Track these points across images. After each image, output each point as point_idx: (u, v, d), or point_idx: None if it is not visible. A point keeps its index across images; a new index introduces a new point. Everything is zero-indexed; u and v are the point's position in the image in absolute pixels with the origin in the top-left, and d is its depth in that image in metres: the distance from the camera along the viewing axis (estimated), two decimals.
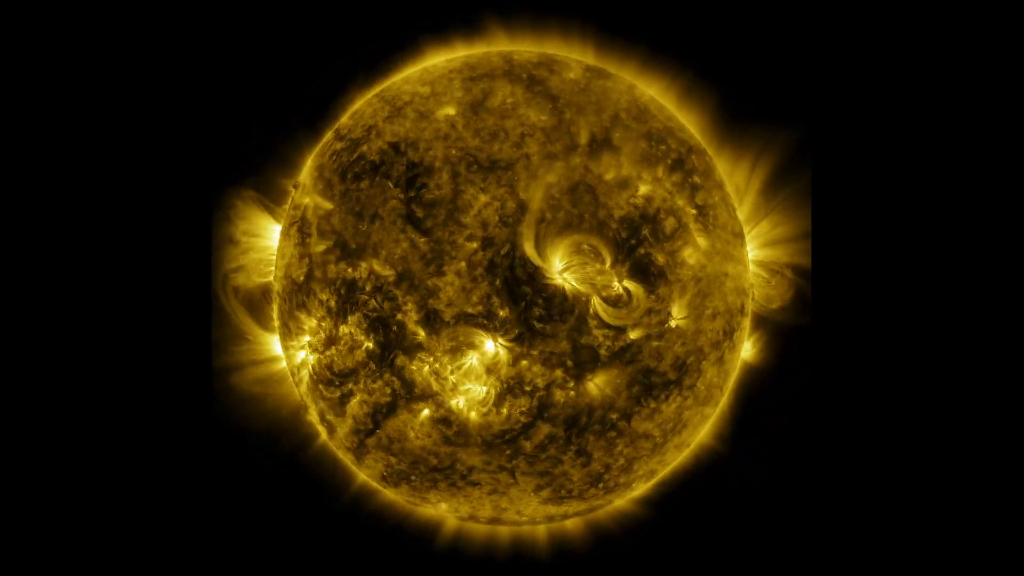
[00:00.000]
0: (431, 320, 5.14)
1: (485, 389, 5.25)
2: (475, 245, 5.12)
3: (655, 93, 6.00)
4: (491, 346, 5.17)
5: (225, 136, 6.28)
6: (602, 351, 5.26)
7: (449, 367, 5.19)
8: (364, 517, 6.45)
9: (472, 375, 5.21)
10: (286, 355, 5.89)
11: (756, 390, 6.15)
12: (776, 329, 6.09)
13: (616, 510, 6.35)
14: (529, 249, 5.09)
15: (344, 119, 5.91)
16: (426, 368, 5.25)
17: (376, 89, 6.10)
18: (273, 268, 6.10)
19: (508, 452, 5.46)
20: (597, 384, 5.34)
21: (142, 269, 5.71)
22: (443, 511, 6.11)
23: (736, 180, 6.05)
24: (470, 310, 5.10)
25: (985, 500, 5.37)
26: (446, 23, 6.13)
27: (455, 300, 5.11)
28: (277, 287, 5.82)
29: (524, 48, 6.02)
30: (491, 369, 5.21)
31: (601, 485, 5.82)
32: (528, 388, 5.24)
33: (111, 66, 5.77)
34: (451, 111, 5.41)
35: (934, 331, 5.34)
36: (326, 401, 5.68)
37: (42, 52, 5.70)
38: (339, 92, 6.28)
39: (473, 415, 5.29)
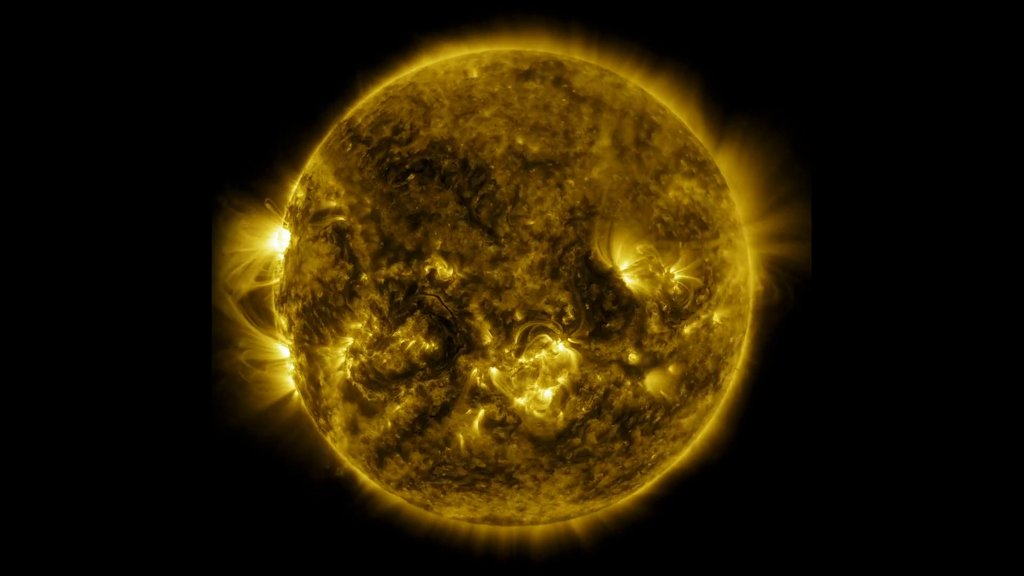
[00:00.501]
0: (498, 321, 5.08)
1: (550, 391, 5.28)
2: (546, 245, 5.12)
3: (655, 92, 6.12)
4: (561, 347, 5.19)
5: (224, 136, 6.11)
6: (660, 349, 5.40)
7: (515, 367, 5.18)
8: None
9: (538, 375, 5.23)
10: (308, 359, 5.63)
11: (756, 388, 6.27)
12: (775, 325, 6.21)
13: (617, 509, 6.42)
14: (597, 249, 5.17)
15: (359, 119, 5.72)
16: (490, 369, 5.21)
17: (381, 86, 6.00)
18: (277, 271, 5.89)
19: (561, 450, 5.49)
20: (653, 382, 5.45)
21: (142, 269, 5.65)
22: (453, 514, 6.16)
23: (737, 176, 6.20)
24: (538, 310, 5.10)
25: (983, 494, 5.45)
26: (448, 21, 6.15)
27: (524, 300, 5.10)
28: (299, 292, 5.55)
29: (527, 48, 6.04)
30: (557, 369, 5.24)
31: (626, 483, 5.93)
32: (591, 387, 5.29)
33: (111, 66, 5.69)
34: (489, 111, 5.41)
35: (933, 331, 5.41)
36: (359, 404, 5.51)
37: (42, 51, 5.64)
38: (337, 90, 6.23)
39: (536, 415, 5.31)
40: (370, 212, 5.24)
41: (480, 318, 5.07)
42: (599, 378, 5.26)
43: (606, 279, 5.12)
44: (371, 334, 5.25)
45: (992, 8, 5.31)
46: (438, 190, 5.15)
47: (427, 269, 5.08)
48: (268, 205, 5.86)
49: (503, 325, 5.09)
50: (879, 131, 5.42)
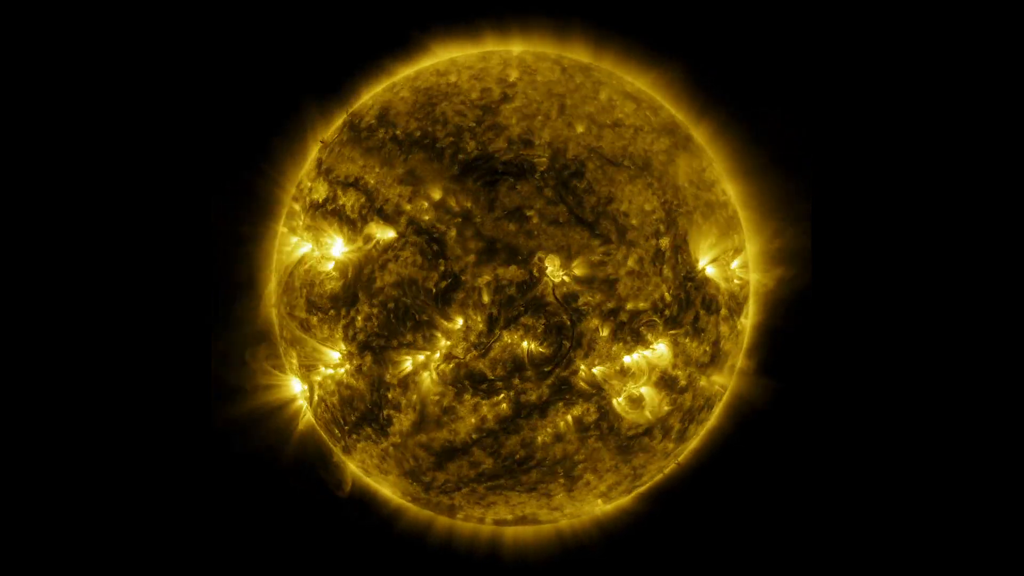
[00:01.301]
0: (607, 319, 5.11)
1: (646, 389, 5.39)
2: (654, 243, 5.23)
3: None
4: (662, 347, 5.31)
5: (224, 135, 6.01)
6: (728, 347, 5.68)
7: (619, 366, 5.25)
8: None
9: (639, 374, 5.32)
10: (377, 361, 5.34)
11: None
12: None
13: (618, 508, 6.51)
14: (692, 245, 5.32)
15: (412, 123, 5.42)
16: (595, 368, 5.24)
17: (409, 88, 5.79)
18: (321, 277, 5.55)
19: (635, 449, 5.62)
20: (714, 380, 5.72)
21: (143, 269, 5.67)
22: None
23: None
24: (645, 308, 5.20)
25: (984, 500, 5.52)
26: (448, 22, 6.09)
27: (631, 300, 5.17)
28: (371, 299, 5.21)
29: (530, 48, 6.07)
30: (653, 367, 5.36)
31: (648, 479, 6.13)
32: (678, 384, 5.48)
33: (113, 65, 5.61)
34: (555, 110, 5.40)
35: (933, 332, 5.52)
36: (439, 407, 5.34)
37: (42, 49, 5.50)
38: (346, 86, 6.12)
39: (630, 415, 5.39)
40: (461, 212, 5.09)
41: (595, 318, 5.12)
42: (681, 374, 5.46)
43: (694, 276, 5.33)
44: (473, 335, 5.12)
45: (991, 11, 5.45)
46: (535, 189, 5.11)
47: (535, 270, 5.03)
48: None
49: (614, 323, 5.15)
50: (878, 132, 5.57)
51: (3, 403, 5.55)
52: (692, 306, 5.34)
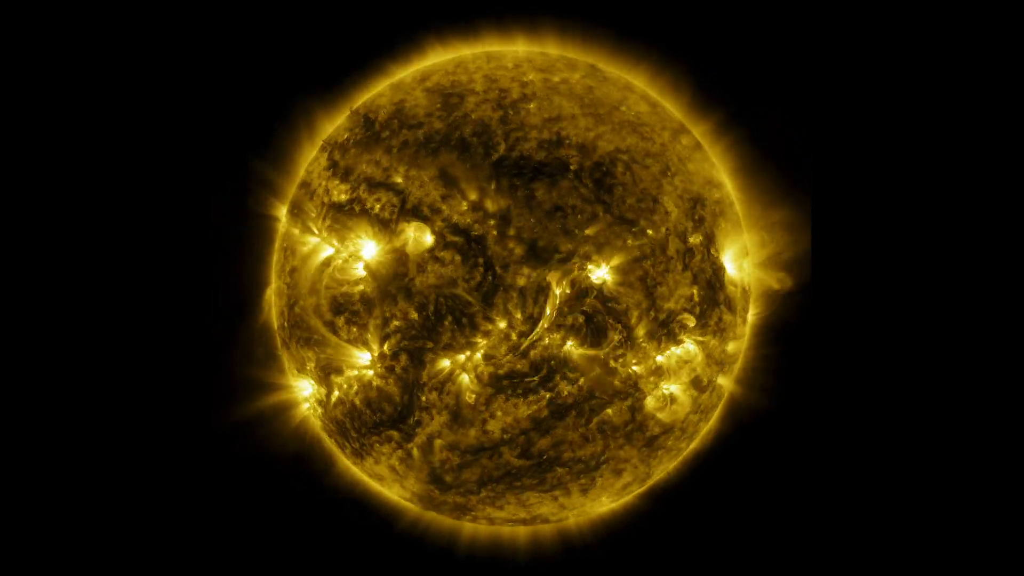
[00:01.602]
0: (650, 318, 5.13)
1: (676, 387, 5.42)
2: (682, 242, 5.29)
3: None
4: (691, 345, 5.34)
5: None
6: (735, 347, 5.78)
7: (653, 365, 5.26)
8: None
9: (672, 373, 5.34)
10: (413, 362, 5.24)
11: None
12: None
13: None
14: (717, 244, 5.39)
15: (437, 124, 5.33)
16: (633, 367, 5.25)
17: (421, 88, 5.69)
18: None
19: (657, 446, 5.66)
20: (733, 378, 5.80)
21: (142, 269, 5.76)
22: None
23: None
24: (679, 307, 5.24)
25: (985, 504, 5.49)
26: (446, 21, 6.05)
27: (666, 298, 5.21)
28: (408, 299, 5.11)
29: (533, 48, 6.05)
30: (684, 365, 5.39)
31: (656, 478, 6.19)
32: (701, 383, 5.53)
33: (113, 65, 5.66)
34: (575, 110, 5.39)
35: (933, 331, 5.53)
36: (475, 407, 5.26)
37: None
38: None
39: (662, 414, 5.41)
40: (499, 212, 5.03)
41: (636, 316, 5.13)
42: (704, 372, 5.52)
43: (720, 275, 5.40)
44: (515, 335, 5.07)
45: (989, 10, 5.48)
46: (571, 187, 5.09)
47: (577, 269, 5.01)
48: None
49: (651, 322, 5.18)
50: (878, 132, 5.60)
51: (2, 403, 5.42)
52: (717, 305, 5.40)
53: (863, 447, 5.57)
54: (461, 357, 5.15)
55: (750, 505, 6.31)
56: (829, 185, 5.61)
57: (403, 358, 5.18)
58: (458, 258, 5.01)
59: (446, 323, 5.06)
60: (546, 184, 5.05)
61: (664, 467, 5.92)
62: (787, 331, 6.03)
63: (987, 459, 5.44)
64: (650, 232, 5.15)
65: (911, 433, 5.52)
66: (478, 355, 5.12)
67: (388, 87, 5.86)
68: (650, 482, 6.01)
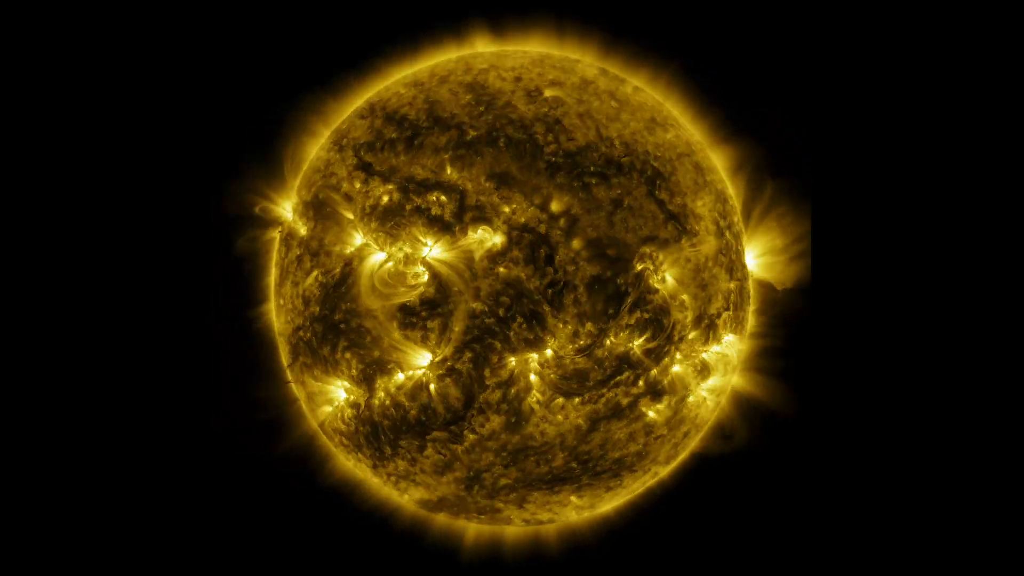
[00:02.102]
0: (699, 318, 5.19)
1: (714, 382, 5.49)
2: (719, 241, 5.39)
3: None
4: (730, 338, 5.44)
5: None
6: None
7: (699, 363, 5.34)
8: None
9: (714, 370, 5.42)
10: (477, 363, 5.10)
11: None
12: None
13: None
14: (743, 243, 5.56)
15: (475, 126, 5.20)
16: (675, 367, 5.27)
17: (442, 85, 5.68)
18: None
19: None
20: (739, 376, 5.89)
21: (142, 270, 5.75)
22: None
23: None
24: (720, 304, 5.33)
25: (981, 494, 5.48)
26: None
27: (712, 296, 5.32)
28: (473, 301, 4.97)
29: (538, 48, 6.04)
30: (726, 362, 5.49)
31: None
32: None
33: (114, 65, 5.65)
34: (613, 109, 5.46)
35: (934, 330, 5.54)
36: (537, 409, 5.19)
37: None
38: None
39: (701, 411, 5.50)
40: (563, 211, 4.96)
41: (685, 315, 5.18)
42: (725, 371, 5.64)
43: (745, 273, 5.54)
44: (584, 335, 4.99)
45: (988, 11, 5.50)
46: (626, 187, 5.07)
47: (639, 267, 5.00)
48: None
49: (700, 320, 5.24)
50: (878, 132, 5.62)
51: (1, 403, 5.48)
52: (745, 302, 5.51)
53: (861, 447, 5.60)
54: (527, 358, 5.08)
55: (749, 504, 6.35)
56: (829, 185, 5.65)
57: (467, 357, 5.07)
58: (525, 258, 4.93)
59: (514, 324, 4.97)
60: (603, 183, 5.04)
61: (672, 467, 5.98)
62: (788, 330, 6.08)
63: (987, 460, 5.45)
64: (699, 231, 5.22)
65: (910, 433, 5.55)
66: (545, 355, 5.06)
67: (402, 85, 5.70)
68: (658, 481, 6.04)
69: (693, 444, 5.97)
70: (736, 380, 5.86)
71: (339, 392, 5.56)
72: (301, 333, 5.45)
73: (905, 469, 5.54)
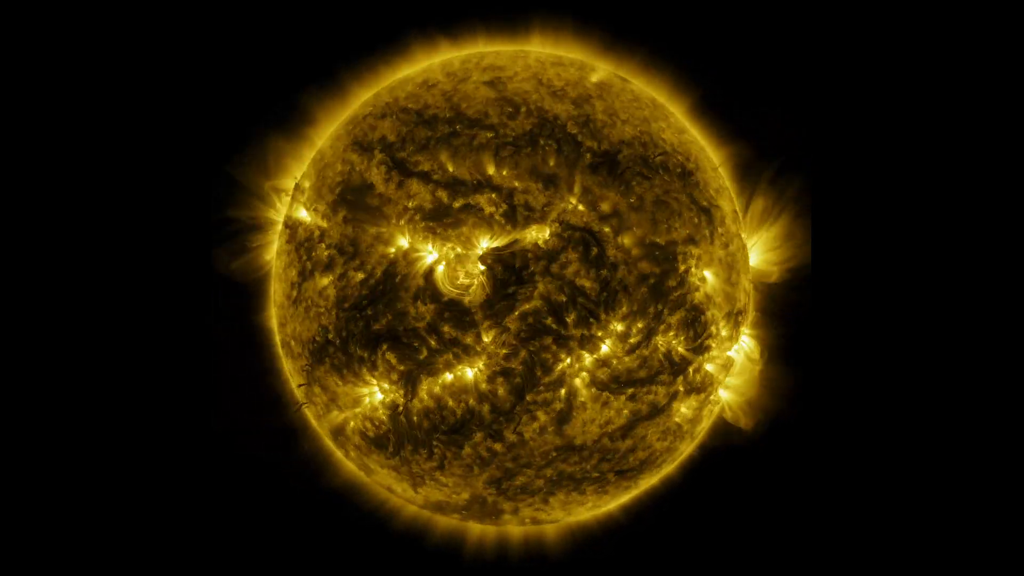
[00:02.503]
0: (730, 314, 5.27)
1: (732, 379, 5.57)
2: (739, 240, 5.49)
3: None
4: (747, 340, 5.49)
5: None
6: None
7: (725, 360, 5.39)
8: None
9: (737, 366, 5.50)
10: (531, 365, 5.03)
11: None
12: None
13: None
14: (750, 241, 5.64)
15: (514, 126, 5.12)
16: (706, 365, 5.32)
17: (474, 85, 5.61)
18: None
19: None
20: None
21: (142, 270, 5.70)
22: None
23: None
24: (744, 301, 5.43)
25: (980, 493, 5.51)
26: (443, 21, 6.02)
27: (737, 294, 5.40)
28: (526, 300, 4.91)
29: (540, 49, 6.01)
30: (748, 358, 5.57)
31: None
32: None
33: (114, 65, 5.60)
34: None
35: (934, 330, 5.58)
36: (581, 409, 5.18)
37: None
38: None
39: (715, 409, 5.54)
40: (612, 211, 4.95)
41: (723, 310, 5.23)
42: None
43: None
44: (633, 335, 4.98)
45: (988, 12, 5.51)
46: (666, 186, 5.12)
47: (683, 266, 5.03)
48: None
49: (733, 316, 5.31)
50: (878, 132, 5.67)
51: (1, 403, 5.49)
52: (748, 298, 5.60)
53: (861, 446, 5.64)
54: (580, 356, 5.05)
55: (749, 503, 6.34)
56: (829, 185, 5.69)
57: (522, 357, 5.01)
58: (579, 258, 4.90)
59: (569, 324, 4.94)
60: (645, 181, 5.07)
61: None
62: (788, 330, 6.04)
63: (987, 462, 5.50)
64: (730, 229, 5.29)
65: (909, 430, 5.59)
66: (596, 355, 5.06)
67: (414, 85, 5.60)
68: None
69: (699, 440, 6.03)
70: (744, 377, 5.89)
71: (369, 393, 5.43)
72: (330, 335, 5.28)
73: (905, 468, 5.58)
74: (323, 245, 5.28)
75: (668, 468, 5.89)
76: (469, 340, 4.97)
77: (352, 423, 5.51)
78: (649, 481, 5.85)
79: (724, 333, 5.29)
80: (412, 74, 5.74)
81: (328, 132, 5.82)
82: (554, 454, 5.23)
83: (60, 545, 5.67)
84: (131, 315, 5.70)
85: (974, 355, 5.51)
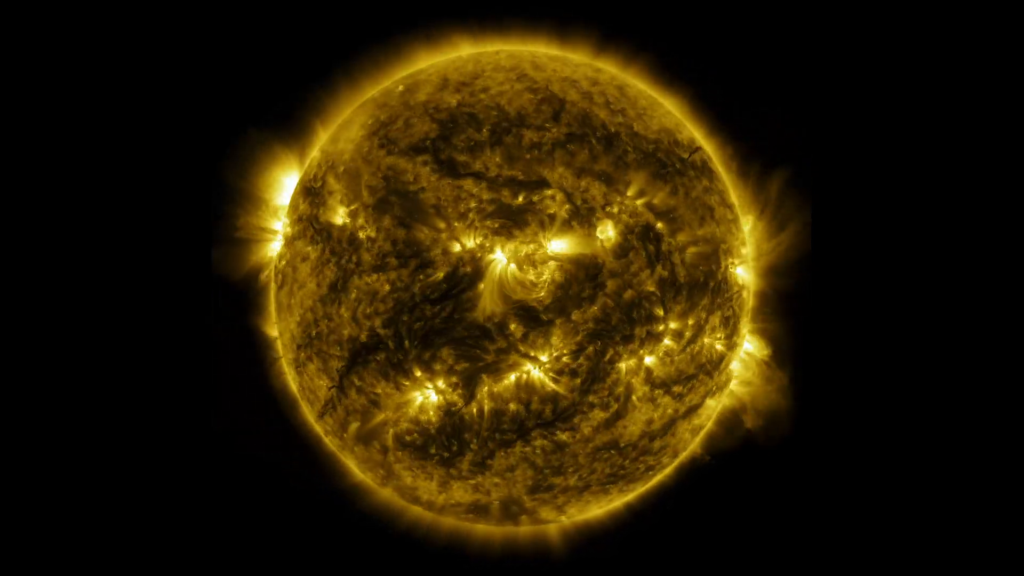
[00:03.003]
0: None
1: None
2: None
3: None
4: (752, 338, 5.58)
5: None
6: None
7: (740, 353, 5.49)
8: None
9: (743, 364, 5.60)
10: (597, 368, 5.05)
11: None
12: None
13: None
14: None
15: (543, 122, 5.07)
16: (732, 365, 5.44)
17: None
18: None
19: None
20: None
21: (143, 271, 5.63)
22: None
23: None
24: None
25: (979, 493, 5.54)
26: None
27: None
28: (596, 299, 4.88)
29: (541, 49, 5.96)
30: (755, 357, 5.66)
31: None
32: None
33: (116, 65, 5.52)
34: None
35: (934, 330, 5.60)
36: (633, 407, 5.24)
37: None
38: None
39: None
40: (666, 209, 4.96)
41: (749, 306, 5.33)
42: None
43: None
44: (687, 332, 5.02)
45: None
46: (703, 184, 5.18)
47: (724, 263, 5.10)
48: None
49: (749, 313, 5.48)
50: (877, 132, 5.69)
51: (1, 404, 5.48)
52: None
53: (859, 446, 5.66)
54: (638, 355, 5.05)
55: (747, 502, 6.33)
56: (829, 185, 5.71)
57: (589, 351, 4.95)
58: (642, 254, 4.88)
59: (634, 322, 4.94)
60: (692, 181, 5.13)
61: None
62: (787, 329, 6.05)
63: (987, 462, 5.54)
64: (747, 226, 5.40)
65: (909, 432, 5.63)
66: (654, 353, 5.07)
67: (436, 89, 5.46)
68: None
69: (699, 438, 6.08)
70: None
71: (419, 395, 5.28)
72: (383, 334, 5.10)
73: (904, 467, 5.61)
74: (370, 246, 5.10)
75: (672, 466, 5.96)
76: (539, 340, 4.91)
77: (392, 427, 5.37)
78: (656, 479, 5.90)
79: (745, 330, 5.40)
80: (428, 72, 5.62)
81: (348, 134, 5.70)
82: (599, 454, 5.22)
83: (60, 545, 5.66)
84: (131, 316, 5.68)
85: (974, 355, 5.56)
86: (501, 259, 4.88)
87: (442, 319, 4.91)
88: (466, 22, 5.77)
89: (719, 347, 5.17)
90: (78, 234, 5.52)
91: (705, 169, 5.24)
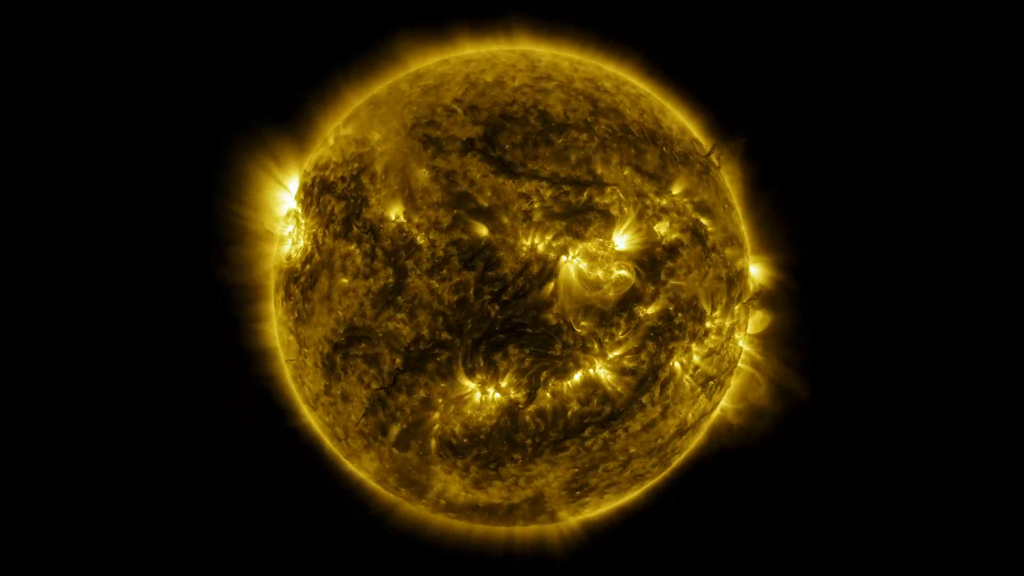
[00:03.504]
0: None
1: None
2: None
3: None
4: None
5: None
6: None
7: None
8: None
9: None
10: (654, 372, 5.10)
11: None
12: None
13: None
14: None
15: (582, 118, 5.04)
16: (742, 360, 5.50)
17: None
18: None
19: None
20: None
21: (143, 271, 5.69)
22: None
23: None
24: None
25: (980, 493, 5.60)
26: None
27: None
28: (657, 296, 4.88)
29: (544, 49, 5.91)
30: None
31: None
32: None
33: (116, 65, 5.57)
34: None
35: (934, 330, 5.67)
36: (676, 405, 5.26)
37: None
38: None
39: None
40: (702, 207, 4.99)
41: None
42: None
43: None
44: (726, 328, 5.05)
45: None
46: (725, 182, 5.26)
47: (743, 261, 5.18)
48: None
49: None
50: (877, 132, 5.73)
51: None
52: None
53: (859, 446, 5.72)
54: (686, 352, 5.06)
55: (748, 501, 6.32)
56: (829, 186, 5.75)
57: (651, 349, 4.92)
58: (696, 249, 4.90)
59: (689, 321, 5.00)
60: (717, 179, 5.19)
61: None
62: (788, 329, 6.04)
63: (987, 461, 5.62)
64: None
65: (908, 428, 5.71)
66: (700, 350, 5.08)
67: (462, 91, 5.33)
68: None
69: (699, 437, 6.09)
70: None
71: (480, 393, 5.15)
72: (443, 336, 4.97)
73: (904, 466, 5.68)
74: (430, 247, 4.95)
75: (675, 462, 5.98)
76: (605, 339, 4.88)
77: (440, 426, 5.23)
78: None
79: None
80: (447, 71, 5.53)
81: (373, 133, 5.57)
82: (632, 451, 5.21)
83: (61, 545, 5.64)
84: (132, 316, 5.67)
85: (974, 355, 5.61)
86: (568, 259, 4.83)
87: (508, 318, 4.85)
88: (470, 20, 5.71)
89: (743, 346, 5.25)
90: (78, 234, 5.49)
91: (719, 170, 5.32)
